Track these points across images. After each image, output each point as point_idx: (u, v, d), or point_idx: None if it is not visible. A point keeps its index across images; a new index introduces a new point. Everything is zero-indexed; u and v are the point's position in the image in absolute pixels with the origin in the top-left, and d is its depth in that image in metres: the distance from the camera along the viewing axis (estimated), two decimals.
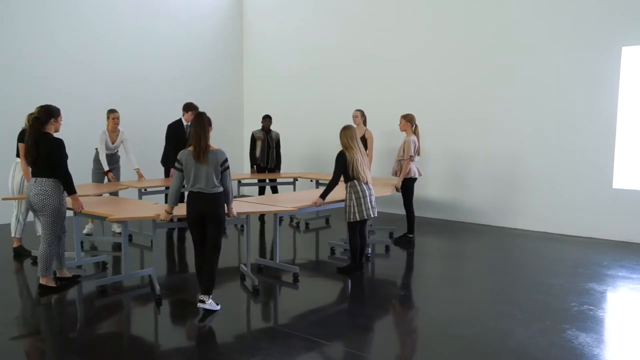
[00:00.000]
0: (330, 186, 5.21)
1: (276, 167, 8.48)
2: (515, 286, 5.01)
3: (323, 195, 5.23)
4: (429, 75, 8.28)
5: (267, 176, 8.17)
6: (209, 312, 4.19)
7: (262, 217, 8.33)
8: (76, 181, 6.40)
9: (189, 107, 7.25)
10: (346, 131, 5.22)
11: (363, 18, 9.04)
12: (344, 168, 5.13)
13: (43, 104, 5.85)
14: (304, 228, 7.64)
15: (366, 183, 5.20)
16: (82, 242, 6.40)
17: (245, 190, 8.67)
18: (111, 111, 6.88)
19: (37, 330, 4.08)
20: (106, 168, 6.74)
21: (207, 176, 4.16)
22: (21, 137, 5.54)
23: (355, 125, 7.45)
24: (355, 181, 5.15)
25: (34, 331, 4.04)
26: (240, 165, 10.75)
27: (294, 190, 8.04)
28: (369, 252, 6.04)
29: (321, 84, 9.64)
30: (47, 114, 4.60)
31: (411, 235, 6.69)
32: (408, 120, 6.58)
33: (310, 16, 9.81)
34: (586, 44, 6.87)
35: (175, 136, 7.24)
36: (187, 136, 7.24)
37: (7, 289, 4.94)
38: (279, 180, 8.33)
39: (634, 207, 6.62)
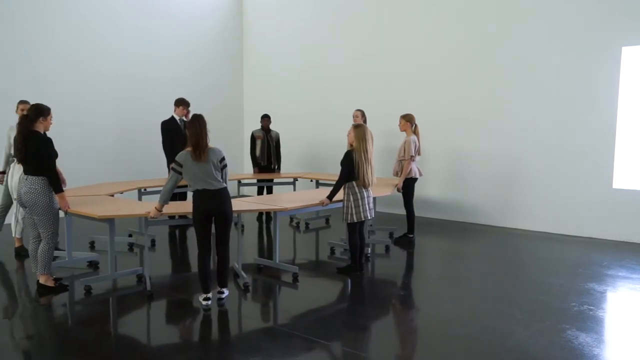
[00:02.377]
0: (338, 186, 5.19)
1: (277, 167, 8.48)
2: (516, 286, 5.00)
3: (330, 196, 5.24)
4: (429, 75, 8.27)
5: (267, 176, 8.17)
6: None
7: (260, 217, 8.34)
8: (81, 181, 6.43)
9: (179, 102, 7.42)
10: (356, 130, 5.14)
11: (363, 18, 9.04)
12: (351, 168, 5.11)
13: (46, 102, 5.86)
14: (304, 228, 7.64)
15: (365, 187, 5.17)
16: (93, 242, 6.42)
17: (245, 190, 8.67)
18: (21, 102, 5.75)
19: (34, 330, 4.07)
20: (1, 168, 5.72)
21: (208, 173, 4.23)
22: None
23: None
24: (354, 182, 5.13)
25: (30, 331, 4.04)
26: (241, 165, 10.76)
27: (294, 190, 8.04)
28: (369, 252, 6.04)
29: (321, 84, 9.64)
30: (36, 113, 4.58)
31: (411, 235, 6.69)
32: (407, 120, 6.58)
33: (310, 16, 9.81)
34: (586, 44, 6.87)
35: (171, 133, 7.29)
36: (183, 132, 7.34)
37: (5, 289, 4.94)
38: (279, 180, 8.33)
39: (634, 207, 6.62)
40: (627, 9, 6.56)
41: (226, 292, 4.53)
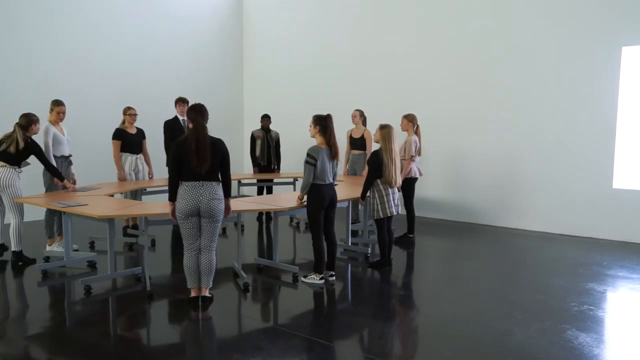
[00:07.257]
0: (367, 186, 5.39)
1: (277, 167, 8.48)
2: (516, 286, 5.01)
3: (362, 196, 5.44)
4: (428, 75, 8.27)
5: (267, 176, 8.16)
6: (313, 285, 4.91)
7: (260, 217, 8.33)
8: (81, 181, 6.41)
9: (177, 100, 7.47)
10: (382, 130, 5.33)
11: (362, 18, 9.03)
12: (377, 168, 5.27)
13: (48, 101, 5.89)
14: (304, 228, 7.64)
15: (390, 186, 5.32)
16: (93, 242, 6.42)
17: (245, 190, 8.66)
18: (57, 103, 5.80)
19: (33, 330, 4.08)
20: (58, 171, 5.65)
21: (333, 169, 4.89)
22: (116, 135, 6.80)
23: (356, 125, 7.48)
24: (379, 180, 5.30)
25: (29, 331, 4.04)
26: (241, 165, 10.75)
27: (294, 190, 8.03)
28: (369, 251, 6.05)
29: (321, 84, 9.63)
30: None
31: (411, 235, 6.69)
32: (410, 120, 6.58)
33: (310, 16, 9.81)
34: (586, 44, 6.87)
35: (174, 133, 7.27)
36: (186, 132, 7.34)
37: (2, 290, 4.94)
38: (279, 180, 8.32)
39: (634, 207, 6.62)
40: (627, 9, 6.56)
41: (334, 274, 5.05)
